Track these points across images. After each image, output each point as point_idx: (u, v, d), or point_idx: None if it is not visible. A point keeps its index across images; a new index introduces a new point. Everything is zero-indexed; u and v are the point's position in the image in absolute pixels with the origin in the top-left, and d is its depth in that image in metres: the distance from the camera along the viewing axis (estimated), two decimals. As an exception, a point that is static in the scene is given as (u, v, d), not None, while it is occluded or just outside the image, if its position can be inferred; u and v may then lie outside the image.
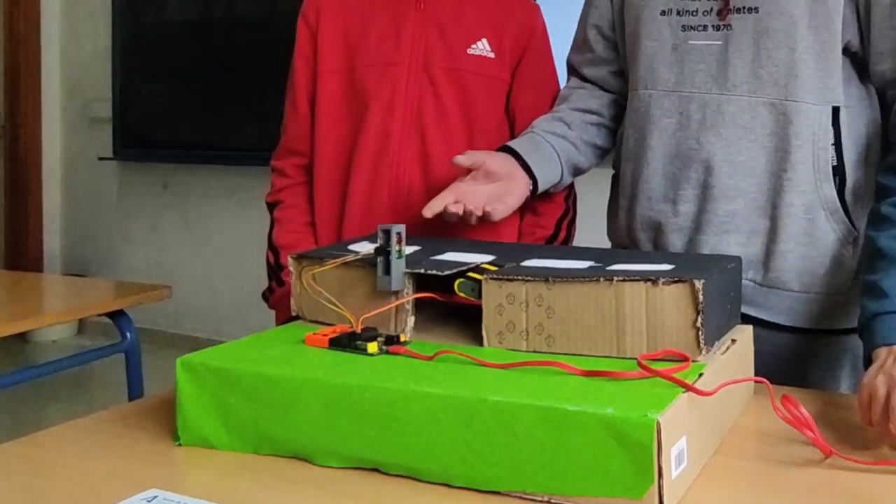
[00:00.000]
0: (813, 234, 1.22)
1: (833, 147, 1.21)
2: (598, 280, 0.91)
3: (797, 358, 1.26)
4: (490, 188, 1.30)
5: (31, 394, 3.63)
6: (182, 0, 4.49)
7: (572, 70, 1.48)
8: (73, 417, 1.03)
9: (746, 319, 1.22)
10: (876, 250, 1.10)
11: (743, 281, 1.24)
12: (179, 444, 0.93)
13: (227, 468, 0.88)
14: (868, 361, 1.02)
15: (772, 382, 0.95)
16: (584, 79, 1.46)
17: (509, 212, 1.32)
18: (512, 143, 1.37)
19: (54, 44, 5.04)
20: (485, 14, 1.45)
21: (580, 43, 1.46)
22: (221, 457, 0.90)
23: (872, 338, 1.03)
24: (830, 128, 1.21)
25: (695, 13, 1.25)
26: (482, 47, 1.43)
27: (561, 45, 1.51)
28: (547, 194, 1.43)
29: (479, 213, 1.28)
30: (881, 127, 1.26)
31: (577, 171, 1.44)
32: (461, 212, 1.27)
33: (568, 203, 1.48)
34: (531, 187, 1.35)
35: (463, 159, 1.29)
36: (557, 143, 1.39)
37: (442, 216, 1.28)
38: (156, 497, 0.80)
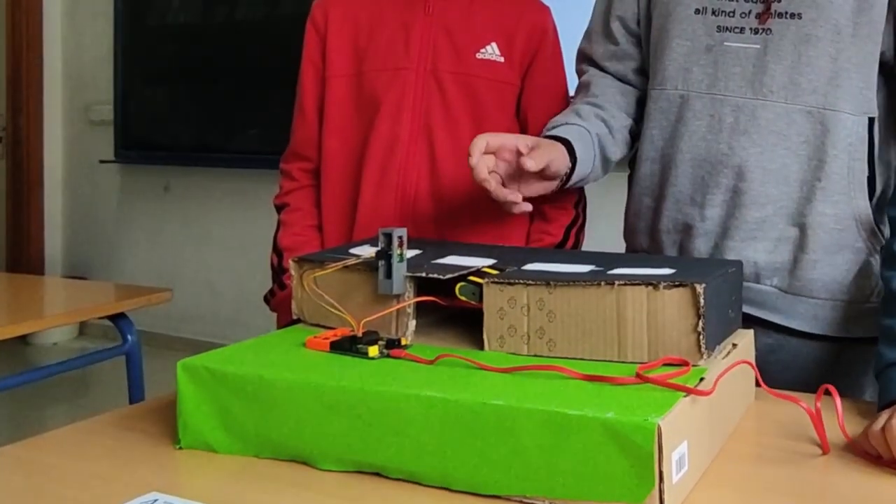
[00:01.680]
0: (842, 243, 1.21)
1: (868, 158, 1.20)
2: (599, 284, 0.91)
3: (820, 365, 1.24)
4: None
5: (32, 396, 3.63)
6: (184, 3, 4.50)
7: (588, 59, 1.43)
8: (73, 420, 1.03)
9: (770, 326, 1.23)
10: (892, 293, 1.07)
11: (767, 288, 1.23)
12: (180, 448, 0.93)
13: (227, 472, 0.87)
14: (882, 407, 0.98)
15: (793, 390, 0.95)
16: (603, 70, 1.41)
17: (540, 164, 1.18)
18: (564, 134, 1.28)
19: (56, 46, 5.05)
20: (494, 18, 1.44)
21: (600, 33, 1.40)
22: (222, 460, 0.90)
23: (890, 388, 1.00)
24: (866, 138, 1.20)
25: (731, 14, 1.23)
26: (491, 51, 1.43)
27: (567, 47, 1.49)
28: (557, 200, 1.42)
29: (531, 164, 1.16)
30: None
31: (607, 163, 1.37)
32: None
33: (578, 210, 1.46)
34: (569, 164, 1.26)
35: (532, 164, 1.16)
36: (594, 125, 1.32)
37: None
38: (156, 500, 0.80)
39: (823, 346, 1.24)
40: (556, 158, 1.22)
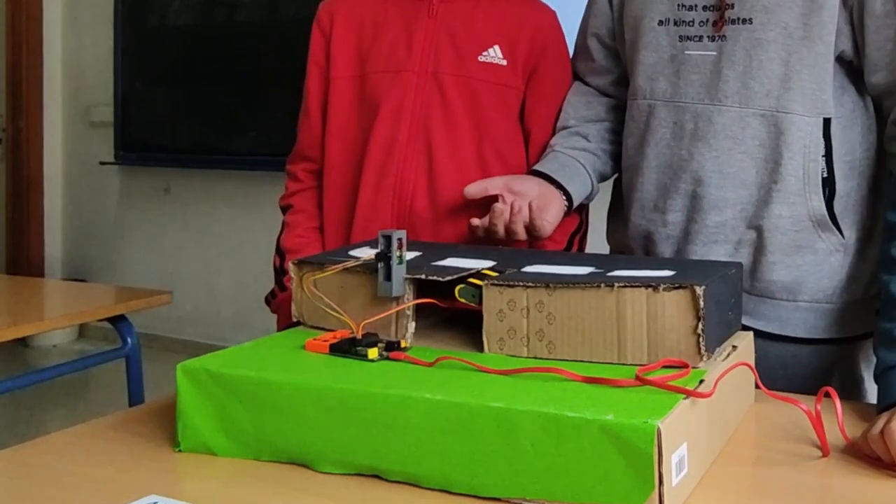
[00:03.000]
0: (800, 244, 1.22)
1: (824, 159, 1.21)
2: (598, 286, 0.91)
3: (786, 367, 1.25)
4: (535, 195, 1.30)
5: (32, 398, 3.63)
6: (184, 5, 4.50)
7: (576, 76, 1.48)
8: (73, 422, 1.03)
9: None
10: (890, 296, 1.07)
11: None
12: (179, 450, 0.93)
13: (227, 475, 0.87)
14: (881, 409, 0.98)
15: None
16: (587, 85, 1.46)
17: (552, 228, 1.32)
18: (537, 167, 1.37)
19: (56, 48, 5.05)
20: (498, 21, 1.44)
21: (581, 51, 1.45)
22: (222, 463, 0.90)
23: (889, 390, 1.00)
24: (821, 139, 1.21)
25: (691, 23, 1.25)
26: (494, 54, 1.42)
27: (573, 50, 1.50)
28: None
29: (526, 221, 1.28)
30: (876, 135, 1.25)
31: (603, 179, 1.44)
32: (507, 217, 1.27)
33: (582, 216, 1.46)
34: (566, 203, 1.34)
35: (474, 190, 1.30)
36: (581, 156, 1.38)
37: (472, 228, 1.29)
38: (156, 503, 0.80)
39: (789, 347, 1.25)
40: (556, 214, 1.33)
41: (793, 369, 1.25)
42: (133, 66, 4.67)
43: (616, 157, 1.42)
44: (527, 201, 1.28)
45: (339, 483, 0.84)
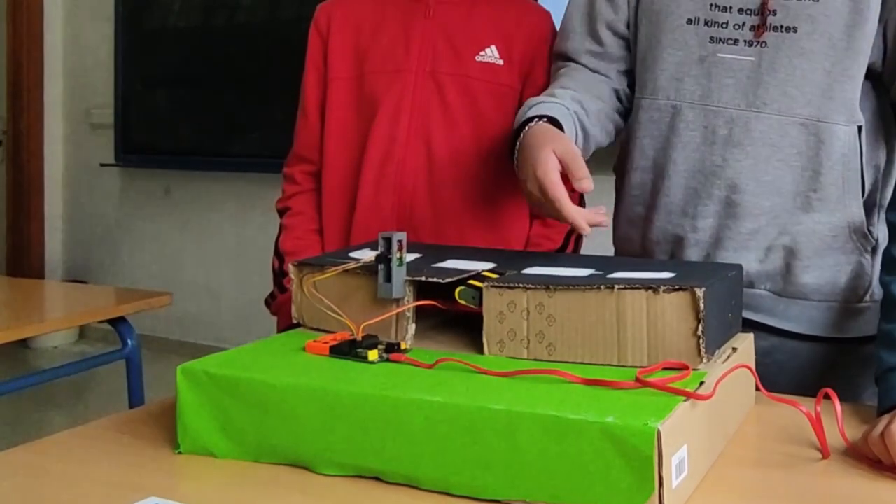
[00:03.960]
0: (833, 247, 1.22)
1: (861, 166, 1.21)
2: (598, 288, 0.91)
3: (815, 367, 1.24)
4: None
5: (32, 400, 3.63)
6: (184, 7, 4.51)
7: (563, 57, 1.40)
8: (73, 424, 1.03)
9: (765, 329, 1.23)
10: (892, 298, 1.07)
11: (760, 292, 1.24)
12: (179, 452, 0.93)
13: (227, 476, 0.87)
14: (882, 411, 0.98)
15: (791, 393, 0.94)
16: (582, 66, 1.38)
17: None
18: (551, 113, 1.24)
19: (57, 49, 5.05)
20: (494, 21, 1.44)
21: (583, 33, 1.38)
22: (222, 465, 0.90)
23: (890, 393, 1.00)
24: (858, 147, 1.20)
25: (724, 25, 1.23)
26: (491, 54, 1.43)
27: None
28: None
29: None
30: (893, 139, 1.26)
31: (588, 146, 1.32)
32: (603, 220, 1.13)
33: None
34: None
35: (588, 184, 1.13)
36: (573, 107, 1.29)
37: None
38: (156, 505, 0.80)
39: (819, 347, 1.25)
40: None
41: (823, 368, 1.24)
42: (134, 68, 4.67)
43: (597, 142, 1.35)
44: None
45: (339, 485, 0.84)
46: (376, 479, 0.84)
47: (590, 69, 1.38)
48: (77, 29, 5.01)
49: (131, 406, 2.19)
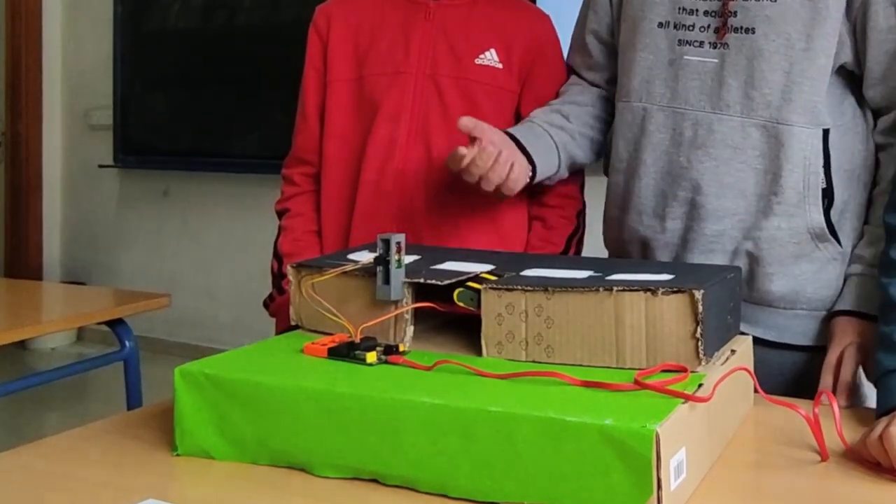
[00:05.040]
0: (797, 254, 1.22)
1: (823, 170, 1.21)
2: (597, 290, 0.91)
3: (785, 374, 1.24)
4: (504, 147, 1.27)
5: (30, 402, 3.62)
6: (183, 8, 4.50)
7: (571, 70, 1.47)
8: (71, 426, 1.03)
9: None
10: (889, 300, 1.07)
11: None
12: (177, 454, 0.92)
13: (224, 478, 0.87)
14: (881, 414, 0.98)
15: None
16: (582, 79, 1.45)
17: (516, 191, 1.31)
18: (511, 130, 1.34)
19: (56, 51, 5.05)
20: (494, 25, 1.45)
21: (578, 46, 1.45)
22: (219, 467, 0.90)
23: (889, 395, 1.00)
24: (821, 151, 1.20)
25: (691, 28, 1.24)
26: (490, 57, 1.43)
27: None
28: (561, 207, 1.43)
29: (501, 178, 1.26)
30: (874, 143, 1.25)
31: (574, 165, 1.42)
32: (488, 165, 1.24)
33: (579, 220, 1.47)
34: (530, 173, 1.32)
35: (467, 122, 1.25)
36: (557, 134, 1.37)
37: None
38: (153, 507, 0.80)
39: (795, 355, 1.25)
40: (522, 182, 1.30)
41: (791, 376, 1.24)
42: (132, 70, 4.67)
43: (595, 145, 1.42)
44: (499, 143, 1.26)
45: (337, 487, 0.84)
46: (374, 481, 0.84)
47: (588, 81, 1.44)
48: (76, 30, 5.01)
49: (129, 408, 2.19)
